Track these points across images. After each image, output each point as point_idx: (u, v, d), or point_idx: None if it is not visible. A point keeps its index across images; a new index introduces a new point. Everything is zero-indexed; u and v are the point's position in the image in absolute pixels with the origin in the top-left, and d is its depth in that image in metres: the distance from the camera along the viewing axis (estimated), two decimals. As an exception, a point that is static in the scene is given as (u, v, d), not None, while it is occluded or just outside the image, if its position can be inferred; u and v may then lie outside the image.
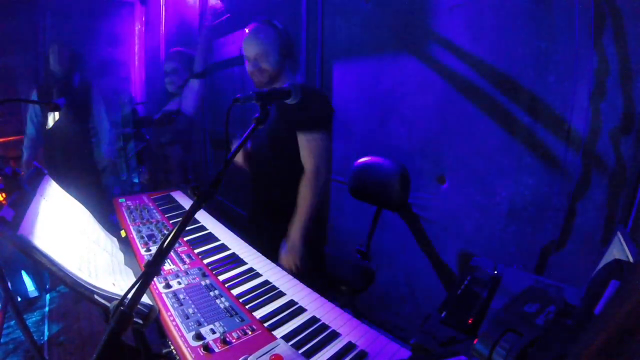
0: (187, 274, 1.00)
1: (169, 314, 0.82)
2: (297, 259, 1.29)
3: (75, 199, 1.19)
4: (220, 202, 3.53)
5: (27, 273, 2.36)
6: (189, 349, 0.72)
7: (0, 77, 3.50)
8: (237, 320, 0.81)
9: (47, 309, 2.24)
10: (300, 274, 1.10)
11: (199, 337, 0.75)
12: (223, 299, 0.89)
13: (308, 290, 0.96)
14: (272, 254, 1.21)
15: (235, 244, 1.21)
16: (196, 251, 1.15)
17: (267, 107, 0.83)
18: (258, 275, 1.03)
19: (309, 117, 1.34)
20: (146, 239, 1.20)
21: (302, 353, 0.72)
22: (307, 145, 1.34)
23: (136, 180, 4.41)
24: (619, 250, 0.60)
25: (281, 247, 1.34)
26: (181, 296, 0.89)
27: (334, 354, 0.73)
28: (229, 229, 1.34)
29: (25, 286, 2.44)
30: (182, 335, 0.75)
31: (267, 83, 1.40)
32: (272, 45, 1.40)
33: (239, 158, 1.59)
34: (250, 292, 0.94)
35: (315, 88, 1.46)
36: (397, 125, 1.71)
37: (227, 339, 0.74)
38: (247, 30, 1.42)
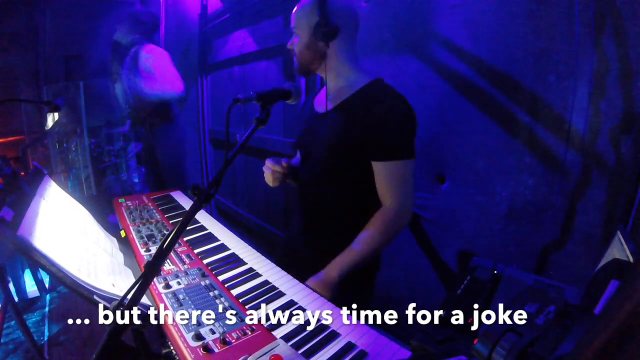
0: (187, 274, 1.00)
1: (168, 314, 0.82)
2: (327, 295, 0.99)
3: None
4: (220, 203, 3.53)
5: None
6: (188, 349, 0.72)
7: (0, 77, 3.50)
8: (237, 321, 0.81)
9: (47, 309, 2.25)
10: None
11: (198, 337, 0.75)
12: (223, 299, 0.89)
13: (308, 290, 0.96)
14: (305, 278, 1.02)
15: (235, 244, 1.21)
16: (196, 251, 1.15)
17: (267, 107, 0.83)
18: (258, 275, 1.03)
19: (388, 139, 1.01)
20: (146, 239, 1.20)
21: (302, 353, 0.72)
22: (384, 178, 1.04)
23: (136, 180, 4.41)
24: (619, 250, 0.60)
25: (317, 274, 1.07)
26: (181, 296, 0.89)
27: (334, 354, 0.73)
28: (229, 229, 1.34)
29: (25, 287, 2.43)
30: (181, 336, 0.75)
31: (303, 72, 1.12)
32: (304, 19, 1.05)
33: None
34: (250, 292, 0.94)
35: (394, 91, 1.07)
36: (397, 125, 1.71)
37: (227, 339, 0.74)
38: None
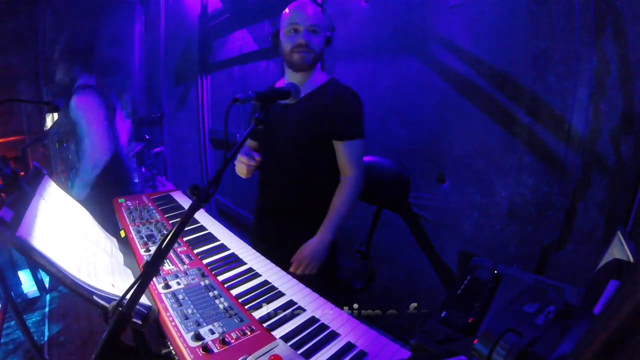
0: (187, 274, 1.00)
1: (168, 314, 0.82)
2: (316, 265, 1.20)
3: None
4: (219, 202, 3.53)
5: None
6: (188, 349, 0.72)
7: (0, 77, 3.50)
8: (236, 321, 0.81)
9: (47, 309, 2.25)
10: (309, 281, 1.01)
11: (198, 337, 0.74)
12: (222, 299, 0.89)
13: (307, 290, 0.96)
14: (280, 259, 1.13)
15: (235, 244, 1.21)
16: (195, 251, 1.15)
17: (267, 107, 0.83)
18: (257, 275, 1.03)
19: (349, 123, 1.26)
20: (145, 239, 1.20)
21: (301, 353, 0.72)
22: (347, 154, 1.27)
23: (136, 180, 4.41)
24: (619, 250, 0.60)
25: (301, 249, 1.23)
26: (180, 296, 0.89)
27: (334, 354, 0.73)
28: (228, 229, 1.34)
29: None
30: (181, 336, 0.75)
31: (308, 66, 1.26)
32: (322, 24, 1.24)
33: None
34: (250, 292, 0.94)
35: (348, 87, 1.32)
36: (397, 125, 1.71)
37: (226, 340, 0.74)
38: (287, 10, 1.25)
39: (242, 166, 1.27)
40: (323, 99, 1.27)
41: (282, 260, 1.13)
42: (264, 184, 1.43)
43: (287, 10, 1.25)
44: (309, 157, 1.30)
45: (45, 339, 2.00)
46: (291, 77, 1.32)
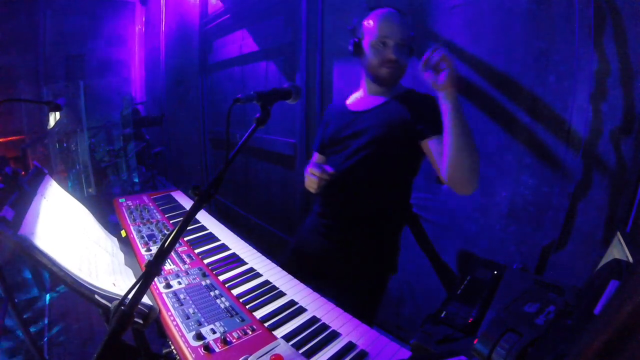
0: (188, 274, 1.01)
1: (169, 314, 0.82)
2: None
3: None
4: (220, 202, 3.53)
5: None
6: (189, 349, 0.72)
7: (0, 77, 3.50)
8: (238, 320, 0.81)
9: (47, 309, 2.24)
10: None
11: (199, 337, 0.75)
12: (223, 299, 0.89)
13: (308, 290, 0.96)
14: (327, 276, 1.09)
15: (236, 244, 1.21)
16: (196, 251, 1.15)
17: (267, 107, 0.83)
18: (258, 275, 1.03)
19: (440, 120, 1.08)
20: (146, 239, 1.20)
21: (303, 353, 0.72)
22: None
23: (136, 180, 4.41)
24: (618, 250, 0.60)
25: None
26: (181, 296, 0.89)
27: (334, 354, 0.73)
28: (229, 229, 1.34)
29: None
30: (182, 335, 0.75)
31: (395, 81, 1.17)
32: (409, 37, 1.14)
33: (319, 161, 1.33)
34: (251, 292, 0.94)
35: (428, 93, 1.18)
36: (397, 125, 1.71)
37: (228, 339, 0.74)
38: (373, 19, 1.13)
39: (313, 179, 1.17)
40: (406, 103, 1.15)
41: (329, 276, 1.10)
42: (329, 194, 1.27)
43: (372, 19, 1.14)
44: (385, 164, 1.17)
45: (45, 339, 2.00)
46: (372, 89, 1.22)
